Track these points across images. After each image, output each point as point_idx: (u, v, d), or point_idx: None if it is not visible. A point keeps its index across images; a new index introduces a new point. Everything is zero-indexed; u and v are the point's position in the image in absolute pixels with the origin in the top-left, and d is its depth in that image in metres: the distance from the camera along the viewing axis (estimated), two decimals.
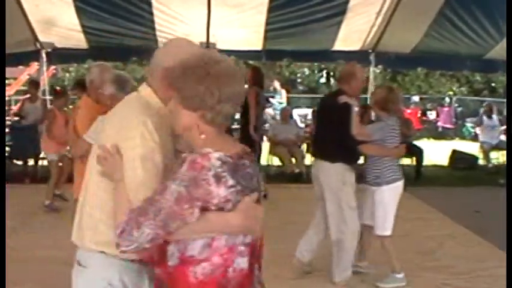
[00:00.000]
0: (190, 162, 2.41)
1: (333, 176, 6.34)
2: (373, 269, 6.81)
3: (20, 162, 13.25)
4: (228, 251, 2.50)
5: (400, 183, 6.52)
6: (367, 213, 6.55)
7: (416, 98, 25.33)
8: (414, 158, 13.47)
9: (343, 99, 6.22)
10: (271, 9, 12.52)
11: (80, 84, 10.77)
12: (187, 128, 2.59)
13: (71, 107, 10.77)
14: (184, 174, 2.40)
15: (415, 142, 14.21)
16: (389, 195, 6.43)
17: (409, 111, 21.90)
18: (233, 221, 2.46)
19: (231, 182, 2.43)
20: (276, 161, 13.85)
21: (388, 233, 6.47)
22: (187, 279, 2.48)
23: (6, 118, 16.36)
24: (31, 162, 13.08)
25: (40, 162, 13.36)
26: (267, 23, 12.97)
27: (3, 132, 9.06)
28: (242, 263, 2.54)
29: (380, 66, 18.68)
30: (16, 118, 13.84)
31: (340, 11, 12.79)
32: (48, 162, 10.79)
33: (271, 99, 20.66)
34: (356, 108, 6.24)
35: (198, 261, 2.48)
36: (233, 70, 2.59)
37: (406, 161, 13.80)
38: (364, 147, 6.42)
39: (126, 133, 2.66)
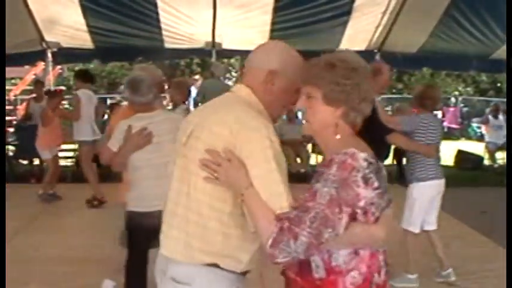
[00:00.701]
0: (340, 163, 2.36)
1: None
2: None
3: (25, 162, 13.26)
4: (371, 259, 2.48)
5: (431, 183, 6.47)
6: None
7: None
8: None
9: None
10: (276, 9, 12.51)
11: (80, 76, 10.80)
12: (326, 126, 2.54)
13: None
14: (334, 175, 2.34)
15: None
16: (417, 192, 6.44)
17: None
18: (377, 235, 2.45)
19: (376, 184, 2.41)
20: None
21: (411, 228, 6.49)
22: None
23: (13, 118, 16.42)
24: (36, 161, 13.08)
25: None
26: (273, 23, 12.96)
27: (3, 132, 9.05)
28: (382, 270, 2.53)
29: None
30: (22, 118, 13.85)
31: (346, 11, 12.77)
32: (44, 160, 10.77)
33: None
34: (378, 98, 6.21)
35: (347, 271, 2.44)
36: (368, 69, 2.57)
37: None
38: (392, 137, 6.42)
39: (248, 135, 2.53)
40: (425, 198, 6.47)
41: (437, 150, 6.76)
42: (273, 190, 2.45)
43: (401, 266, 6.57)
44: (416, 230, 6.52)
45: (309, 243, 2.30)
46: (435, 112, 24.46)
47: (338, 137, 2.50)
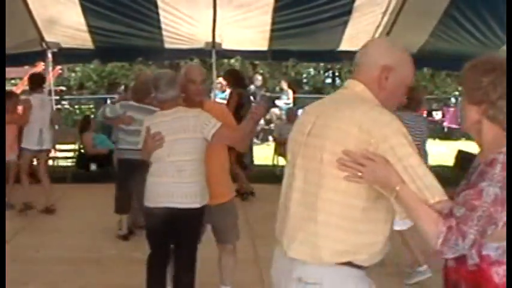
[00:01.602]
0: (503, 164, 2.44)
1: None
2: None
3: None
4: None
5: None
6: None
7: None
8: None
9: None
10: (276, 9, 12.48)
11: (33, 79, 10.64)
12: (472, 123, 2.66)
13: None
14: (499, 175, 2.43)
15: None
16: None
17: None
18: None
19: None
20: (282, 161, 13.81)
21: (405, 227, 6.49)
22: (491, 280, 2.54)
23: None
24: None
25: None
26: (273, 23, 12.94)
27: (3, 132, 9.01)
28: None
29: None
30: None
31: (346, 11, 12.75)
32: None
33: (276, 101, 20.64)
34: None
35: (497, 263, 2.54)
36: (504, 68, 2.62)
37: None
38: None
39: (383, 131, 2.58)
40: None
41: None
42: (425, 182, 2.52)
43: (409, 265, 6.74)
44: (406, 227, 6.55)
45: (475, 239, 2.43)
46: (435, 112, 24.47)
47: (490, 134, 2.62)
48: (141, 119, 5.86)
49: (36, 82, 10.23)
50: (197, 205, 4.88)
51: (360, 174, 2.56)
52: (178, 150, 4.81)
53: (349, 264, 2.67)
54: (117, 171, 8.26)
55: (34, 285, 6.39)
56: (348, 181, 2.59)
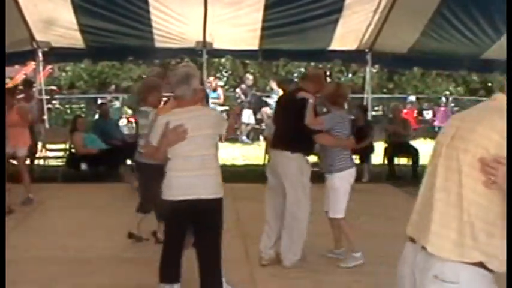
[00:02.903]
0: None
1: (293, 165, 6.75)
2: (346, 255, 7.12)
3: (15, 162, 13.18)
4: None
5: (351, 171, 7.03)
6: (327, 201, 7.03)
7: (412, 98, 25.28)
8: (410, 158, 13.42)
9: (302, 94, 6.73)
10: (267, 7, 12.48)
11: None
12: None
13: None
14: None
15: (412, 142, 14.17)
16: (339, 182, 6.90)
17: (405, 111, 21.86)
18: None
19: None
20: None
21: (340, 215, 6.96)
22: None
23: None
24: (27, 161, 13.01)
25: (36, 162, 13.36)
26: (264, 21, 12.93)
27: (3, 132, 8.99)
28: None
29: (376, 66, 18.67)
30: None
31: (337, 9, 12.76)
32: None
33: (268, 99, 20.62)
34: (311, 101, 6.66)
35: None
36: None
37: (402, 160, 13.78)
38: (319, 137, 6.87)
39: None
40: (347, 186, 6.97)
41: None
42: None
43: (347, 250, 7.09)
44: (342, 215, 6.98)
45: None
46: (426, 112, 24.49)
47: None
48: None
49: None
50: (220, 195, 5.12)
51: (493, 178, 2.61)
52: (202, 145, 5.05)
53: (484, 266, 2.70)
54: (138, 174, 8.16)
55: (24, 285, 6.34)
56: (485, 186, 2.65)
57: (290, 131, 6.78)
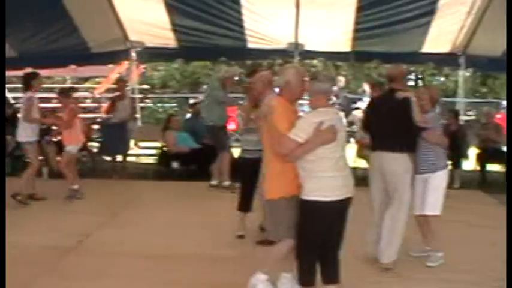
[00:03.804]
0: None
1: (401, 165, 6.69)
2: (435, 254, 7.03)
3: (108, 159, 13.48)
4: None
5: (448, 169, 7.18)
6: (418, 203, 6.96)
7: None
8: (503, 164, 12.96)
9: (402, 94, 6.72)
10: (359, 9, 12.32)
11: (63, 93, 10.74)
12: None
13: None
14: None
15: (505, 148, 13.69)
16: (443, 179, 6.97)
17: (499, 116, 21.14)
18: None
19: None
20: (363, 164, 13.56)
21: (438, 212, 6.96)
22: None
23: (97, 115, 16.73)
24: (119, 158, 13.28)
25: (128, 159, 13.60)
26: (355, 24, 12.77)
27: (3, 132, 9.13)
28: None
29: (470, 69, 18.17)
30: (105, 115, 14.09)
31: (429, 11, 12.49)
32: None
33: (359, 102, 20.37)
34: (414, 99, 6.66)
35: None
36: None
37: (494, 167, 13.34)
38: (429, 135, 6.82)
39: None
40: (446, 184, 7.01)
41: None
42: None
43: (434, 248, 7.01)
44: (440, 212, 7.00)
45: None
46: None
47: None
48: None
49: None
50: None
51: None
52: (342, 146, 5.23)
53: None
54: (241, 171, 8.19)
55: (115, 278, 6.43)
56: None
57: (398, 132, 6.72)
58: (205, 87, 18.88)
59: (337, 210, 5.14)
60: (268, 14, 12.70)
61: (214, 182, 11.12)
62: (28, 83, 9.90)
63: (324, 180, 5.06)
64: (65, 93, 10.53)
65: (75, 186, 10.29)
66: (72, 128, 10.15)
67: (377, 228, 6.87)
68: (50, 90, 20.68)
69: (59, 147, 11.51)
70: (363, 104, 20.25)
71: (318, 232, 5.18)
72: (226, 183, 11.04)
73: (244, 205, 7.92)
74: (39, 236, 7.93)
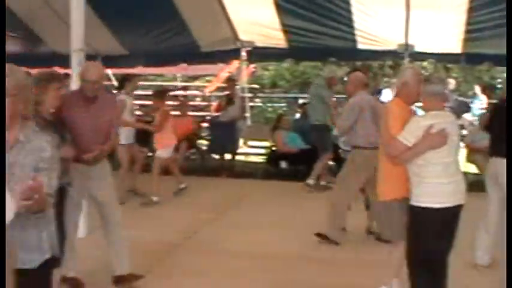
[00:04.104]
0: None
1: None
2: None
3: (217, 157, 13.62)
4: None
5: None
6: None
7: None
8: None
9: None
10: (471, 10, 11.90)
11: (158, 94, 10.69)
12: None
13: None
14: None
15: None
16: None
17: None
18: None
19: None
20: (473, 169, 13.12)
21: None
22: None
23: (206, 114, 16.94)
24: (228, 157, 13.39)
25: (237, 158, 13.70)
26: (467, 25, 12.36)
27: (3, 132, 9.16)
28: None
29: None
30: (215, 114, 14.25)
31: None
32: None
33: (470, 105, 19.78)
34: None
35: None
36: None
37: None
38: None
39: None
40: None
41: None
42: None
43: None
44: None
45: None
46: None
47: None
48: None
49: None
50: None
51: None
52: (455, 151, 5.09)
53: None
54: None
55: (215, 276, 6.47)
56: None
57: None
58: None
59: (447, 218, 4.97)
60: (378, 14, 12.47)
61: (310, 181, 11.02)
62: (122, 84, 10.09)
63: (433, 186, 4.90)
64: (159, 95, 10.61)
65: (182, 185, 10.47)
66: (163, 131, 10.16)
67: (488, 235, 6.68)
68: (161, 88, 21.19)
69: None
70: (475, 107, 19.69)
71: (427, 240, 5.02)
72: (323, 182, 11.04)
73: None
74: (148, 230, 8.10)
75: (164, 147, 10.16)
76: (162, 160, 10.12)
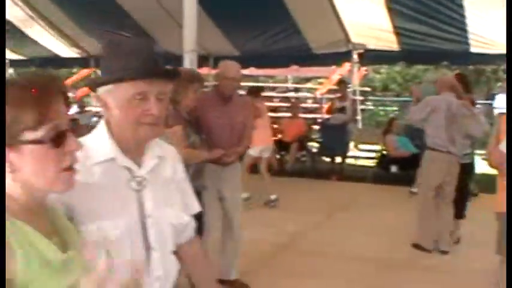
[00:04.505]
0: None
1: None
2: None
3: (327, 159, 13.62)
4: None
5: None
6: None
7: None
8: None
9: None
10: None
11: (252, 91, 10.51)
12: None
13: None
14: None
15: None
16: None
17: None
18: None
19: None
20: None
21: None
22: None
23: (318, 116, 16.98)
24: (338, 159, 13.38)
25: (347, 161, 13.67)
26: None
27: (3, 132, 9.18)
28: None
29: None
30: (326, 116, 14.26)
31: None
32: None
33: None
34: None
35: None
36: None
37: None
38: None
39: None
40: None
41: None
42: None
43: None
44: None
45: None
46: None
47: None
48: None
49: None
50: None
51: None
52: None
53: None
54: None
55: (322, 279, 6.47)
56: None
57: None
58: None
59: None
60: (492, 16, 12.13)
61: (414, 190, 10.73)
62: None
63: None
64: (253, 93, 10.50)
65: (272, 197, 10.15)
66: (256, 129, 10.13)
67: None
68: (272, 89, 21.32)
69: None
70: None
71: None
72: None
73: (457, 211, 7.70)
74: (254, 231, 8.13)
75: (256, 145, 10.00)
76: (250, 158, 10.13)
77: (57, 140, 1.70)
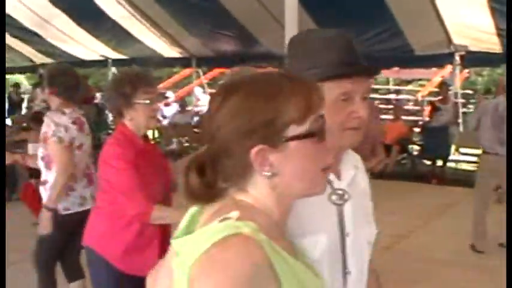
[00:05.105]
0: None
1: None
2: None
3: (428, 162, 13.51)
4: None
5: None
6: None
7: None
8: None
9: None
10: None
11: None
12: None
13: None
14: None
15: None
16: None
17: None
18: None
19: None
20: None
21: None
22: None
23: (419, 118, 16.83)
24: (439, 163, 13.23)
25: (448, 164, 13.49)
26: None
27: (3, 132, 9.22)
28: None
29: None
30: (427, 119, 14.14)
31: None
32: None
33: None
34: None
35: None
36: None
37: None
38: None
39: None
40: None
41: None
42: None
43: None
44: None
45: None
46: None
47: None
48: None
49: None
50: None
51: None
52: None
53: None
54: None
55: (424, 285, 6.47)
56: None
57: None
58: None
59: None
60: None
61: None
62: None
63: None
64: None
65: None
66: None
67: None
68: (374, 91, 21.22)
69: None
70: None
71: None
72: None
73: None
74: None
75: None
76: None
77: (324, 132, 1.51)
